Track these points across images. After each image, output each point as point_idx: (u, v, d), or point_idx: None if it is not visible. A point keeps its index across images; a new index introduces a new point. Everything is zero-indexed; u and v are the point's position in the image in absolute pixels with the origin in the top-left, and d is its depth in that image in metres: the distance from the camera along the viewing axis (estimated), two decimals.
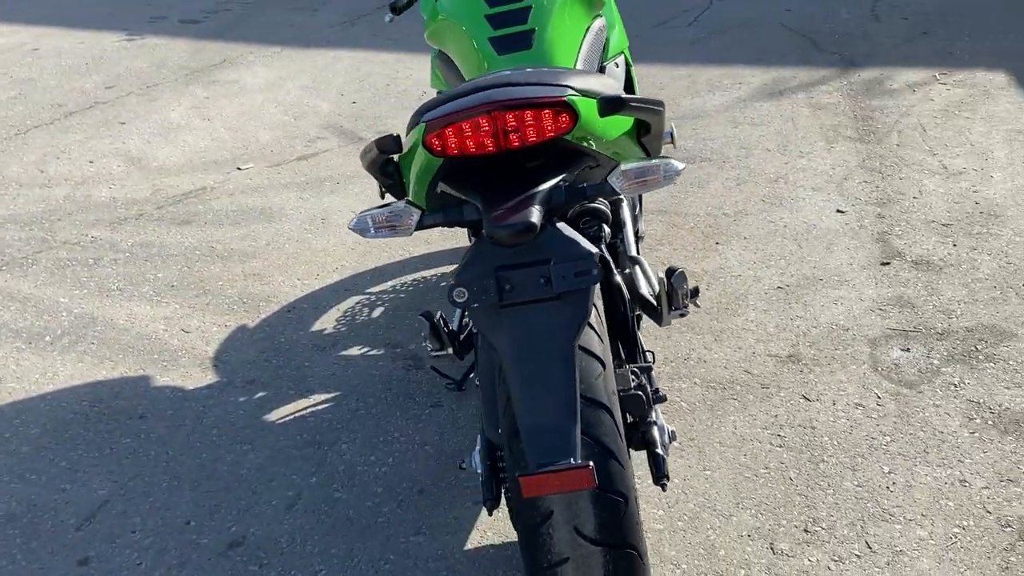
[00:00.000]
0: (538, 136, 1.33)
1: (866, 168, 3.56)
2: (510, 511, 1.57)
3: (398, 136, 1.43)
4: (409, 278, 3.07)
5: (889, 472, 2.07)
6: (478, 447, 1.57)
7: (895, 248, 2.98)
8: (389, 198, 1.63)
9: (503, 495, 1.52)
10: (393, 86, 4.83)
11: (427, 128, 1.34)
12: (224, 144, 4.24)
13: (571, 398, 1.22)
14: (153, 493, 2.18)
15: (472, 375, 2.25)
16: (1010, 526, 1.90)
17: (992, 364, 2.39)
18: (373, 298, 2.96)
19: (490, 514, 1.67)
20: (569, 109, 1.32)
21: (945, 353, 2.45)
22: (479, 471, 1.55)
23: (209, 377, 2.60)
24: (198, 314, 2.93)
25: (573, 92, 1.34)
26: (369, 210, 1.46)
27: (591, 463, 1.19)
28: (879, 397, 2.31)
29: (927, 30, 4.96)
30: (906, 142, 3.71)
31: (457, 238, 3.15)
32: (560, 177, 1.38)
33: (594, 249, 1.33)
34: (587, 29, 1.93)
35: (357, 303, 2.95)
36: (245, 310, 2.94)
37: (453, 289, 1.31)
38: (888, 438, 2.18)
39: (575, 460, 1.18)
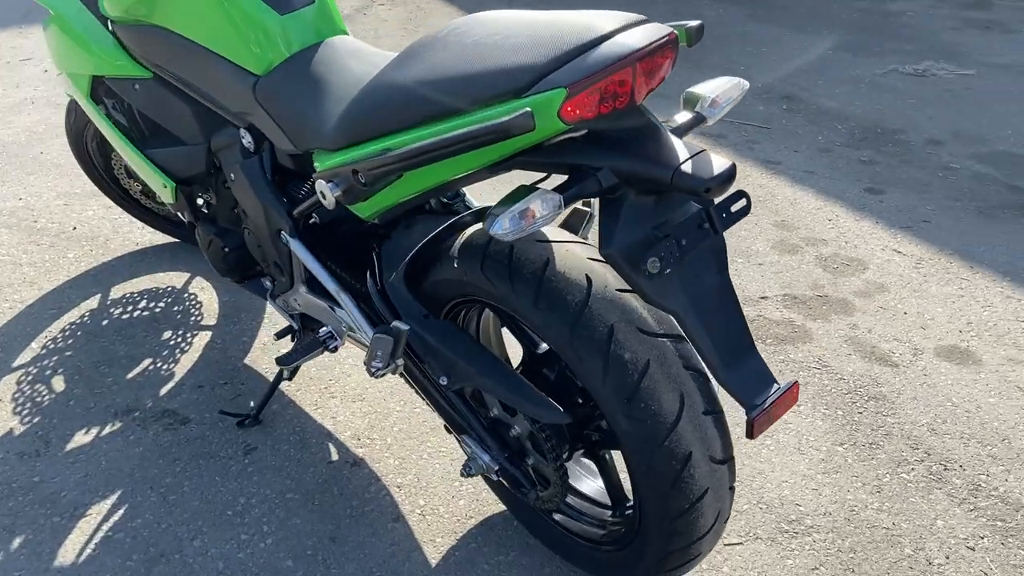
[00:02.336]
0: (658, 81, 1.20)
1: None
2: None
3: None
4: (73, 316, 2.33)
5: None
6: (479, 449, 1.57)
7: None
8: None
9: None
10: None
11: (568, 94, 1.10)
12: None
13: (747, 329, 1.24)
14: None
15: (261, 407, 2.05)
16: None
17: None
18: (54, 356, 2.20)
19: (553, 508, 1.59)
20: (677, 45, 1.21)
21: None
22: (497, 470, 1.56)
23: None
24: None
25: (670, 27, 1.22)
26: (504, 209, 1.15)
27: (795, 379, 1.25)
28: None
29: None
30: None
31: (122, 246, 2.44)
32: (662, 120, 1.27)
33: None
34: None
35: (32, 369, 2.17)
36: None
37: (639, 261, 1.15)
38: None
39: (781, 384, 1.23)
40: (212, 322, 2.48)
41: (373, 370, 1.54)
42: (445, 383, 1.54)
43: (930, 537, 1.83)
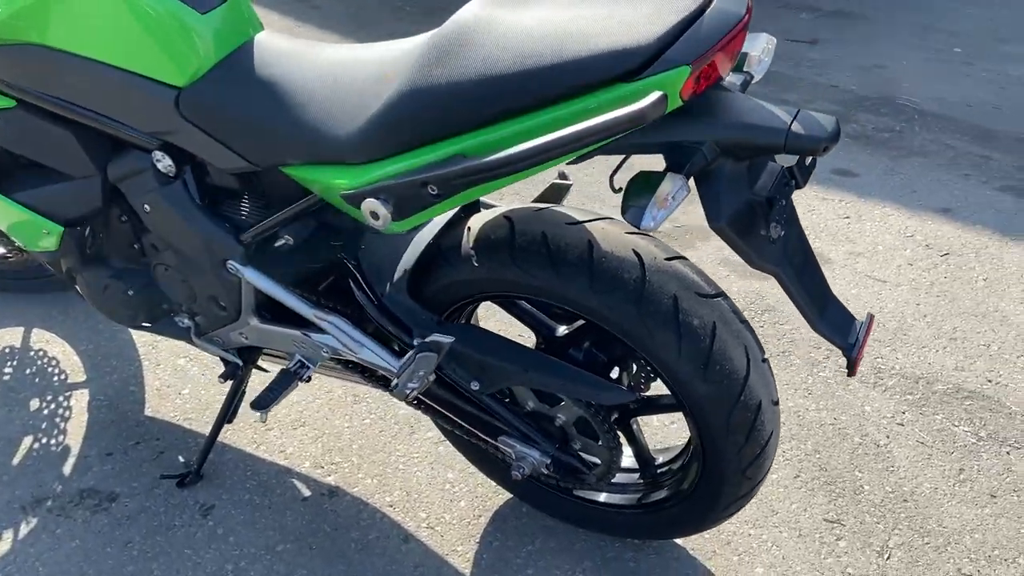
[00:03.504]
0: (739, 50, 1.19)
1: None
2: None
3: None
4: None
5: None
6: (525, 448, 1.53)
7: None
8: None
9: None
10: None
11: (692, 72, 1.07)
12: None
13: (823, 275, 1.30)
14: None
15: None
16: None
17: None
18: None
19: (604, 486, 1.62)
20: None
21: None
22: (550, 463, 1.55)
23: None
24: None
25: None
26: (644, 200, 1.10)
27: (870, 313, 1.36)
28: None
29: None
30: None
31: None
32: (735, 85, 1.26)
33: None
34: None
35: None
36: None
37: (750, 228, 1.17)
38: None
39: (860, 319, 1.32)
40: (82, 378, 2.14)
41: (408, 392, 1.42)
42: (477, 388, 1.47)
43: (867, 424, 2.06)
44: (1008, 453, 1.97)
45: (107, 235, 1.72)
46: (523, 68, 1.09)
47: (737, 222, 1.14)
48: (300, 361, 1.64)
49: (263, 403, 1.60)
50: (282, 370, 1.64)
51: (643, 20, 1.06)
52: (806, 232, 2.90)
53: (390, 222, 1.21)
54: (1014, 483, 1.89)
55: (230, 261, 1.54)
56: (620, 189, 1.19)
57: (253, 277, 1.54)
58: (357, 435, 1.98)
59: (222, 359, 1.81)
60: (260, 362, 1.81)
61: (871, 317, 1.28)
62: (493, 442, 1.56)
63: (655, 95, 0.99)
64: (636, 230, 1.40)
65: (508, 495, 1.84)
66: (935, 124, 3.63)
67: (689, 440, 1.58)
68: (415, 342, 1.46)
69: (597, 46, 1.05)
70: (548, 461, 1.50)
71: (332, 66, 1.34)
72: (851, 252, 2.75)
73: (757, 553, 1.72)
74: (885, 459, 1.95)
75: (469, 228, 1.45)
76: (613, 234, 1.36)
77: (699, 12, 1.07)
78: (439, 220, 1.51)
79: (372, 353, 1.50)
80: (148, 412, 2.04)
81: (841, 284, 2.57)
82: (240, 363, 1.74)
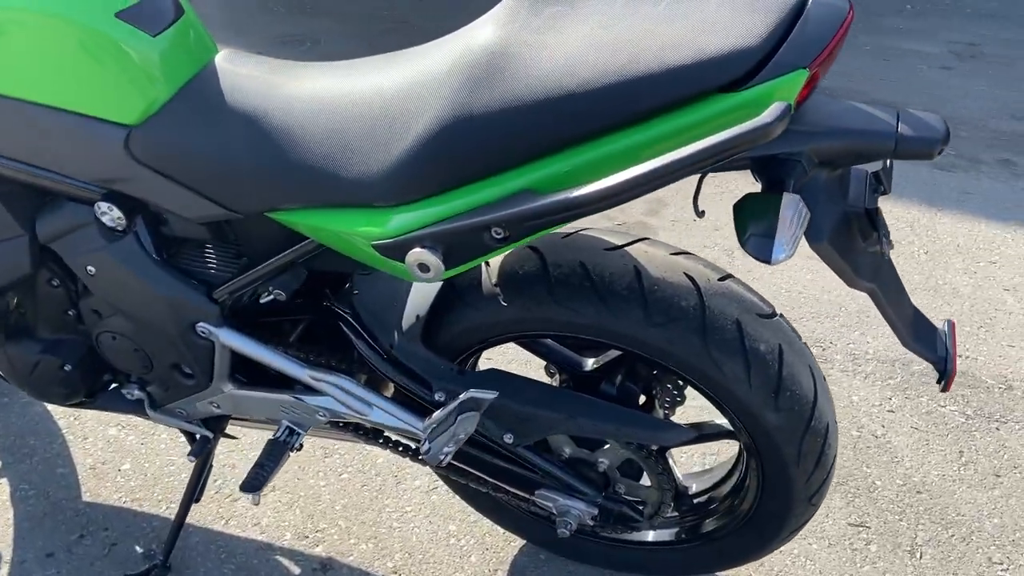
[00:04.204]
0: None
1: None
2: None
3: None
4: None
5: None
6: (568, 500, 1.38)
7: None
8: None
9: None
10: None
11: (810, 73, 0.93)
12: None
13: (904, 286, 1.22)
14: None
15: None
16: None
17: None
18: None
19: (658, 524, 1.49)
20: None
21: None
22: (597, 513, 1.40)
23: None
24: None
25: None
26: (766, 228, 0.96)
27: (949, 319, 1.27)
28: None
29: None
30: None
31: None
32: None
33: None
34: None
35: None
36: None
37: (852, 245, 1.05)
38: None
39: (940, 327, 1.24)
40: None
41: (443, 457, 1.24)
42: (511, 441, 1.30)
43: (859, 414, 2.02)
44: (998, 429, 1.98)
45: (34, 303, 1.44)
46: (598, 85, 0.92)
47: (838, 239, 1.02)
48: (288, 428, 1.42)
49: (255, 483, 1.38)
50: (270, 441, 1.42)
51: (736, 21, 0.91)
52: None
53: (442, 272, 1.02)
54: (1012, 460, 1.89)
55: (201, 324, 1.31)
56: (703, 213, 1.05)
57: (230, 339, 1.31)
58: (338, 494, 1.77)
59: (184, 432, 1.57)
60: (228, 429, 1.58)
61: (952, 324, 1.19)
62: (528, 498, 1.39)
63: (779, 106, 0.85)
64: (679, 250, 1.27)
65: (520, 542, 1.68)
66: (844, 98, 3.68)
67: (733, 467, 1.47)
68: (437, 396, 1.28)
69: (691, 53, 0.90)
70: (595, 511, 1.36)
71: (329, 91, 1.14)
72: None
73: (793, 570, 1.64)
74: (887, 450, 1.91)
75: (487, 264, 1.28)
76: (658, 257, 1.23)
77: (799, 8, 0.93)
78: None
79: (388, 415, 1.30)
80: (86, 497, 1.76)
81: (794, 272, 2.53)
82: (210, 435, 1.51)
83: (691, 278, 1.20)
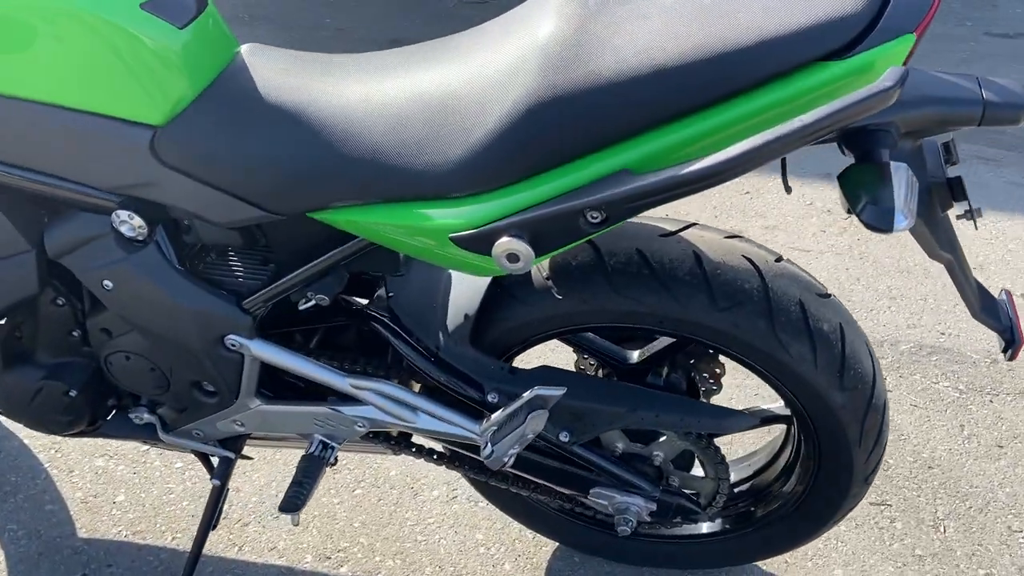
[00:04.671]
0: None
1: None
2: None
3: None
4: None
5: None
6: (626, 497, 1.33)
7: None
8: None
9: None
10: None
11: (917, 39, 0.92)
12: None
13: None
14: None
15: None
16: None
17: None
18: None
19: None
20: None
21: None
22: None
23: None
24: None
25: None
26: (881, 197, 0.94)
27: (1004, 288, 1.27)
28: None
29: None
30: None
31: None
32: None
33: None
34: None
35: None
36: None
37: (938, 218, 1.04)
38: None
39: (996, 295, 1.24)
40: None
41: (507, 460, 1.19)
42: (568, 439, 1.26)
43: None
44: (991, 401, 2.03)
45: (36, 325, 1.33)
46: (695, 58, 0.89)
47: (923, 209, 1.02)
48: (322, 442, 1.35)
49: (296, 503, 1.30)
50: (305, 457, 1.34)
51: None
52: (714, 211, 2.89)
53: (532, 261, 0.97)
54: (1011, 430, 1.94)
55: (231, 336, 1.23)
56: (791, 189, 1.03)
57: (263, 351, 1.24)
58: (354, 511, 1.69)
59: (198, 455, 1.47)
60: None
61: (1009, 294, 1.20)
62: (579, 498, 1.35)
63: (897, 71, 0.83)
64: (731, 232, 1.25)
65: (552, 546, 1.63)
66: None
67: (777, 453, 1.46)
68: (490, 398, 1.23)
69: (792, 21, 0.88)
70: (654, 506, 1.32)
71: (380, 83, 1.07)
72: (766, 226, 2.76)
73: (828, 554, 1.63)
74: (892, 429, 1.93)
75: None
76: (714, 241, 1.21)
77: None
78: None
79: (438, 420, 1.24)
80: (82, 533, 1.63)
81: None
82: (232, 455, 1.42)
83: (750, 260, 1.19)
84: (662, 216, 1.30)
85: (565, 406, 1.22)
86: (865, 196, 0.94)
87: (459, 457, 1.41)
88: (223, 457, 1.42)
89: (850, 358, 1.20)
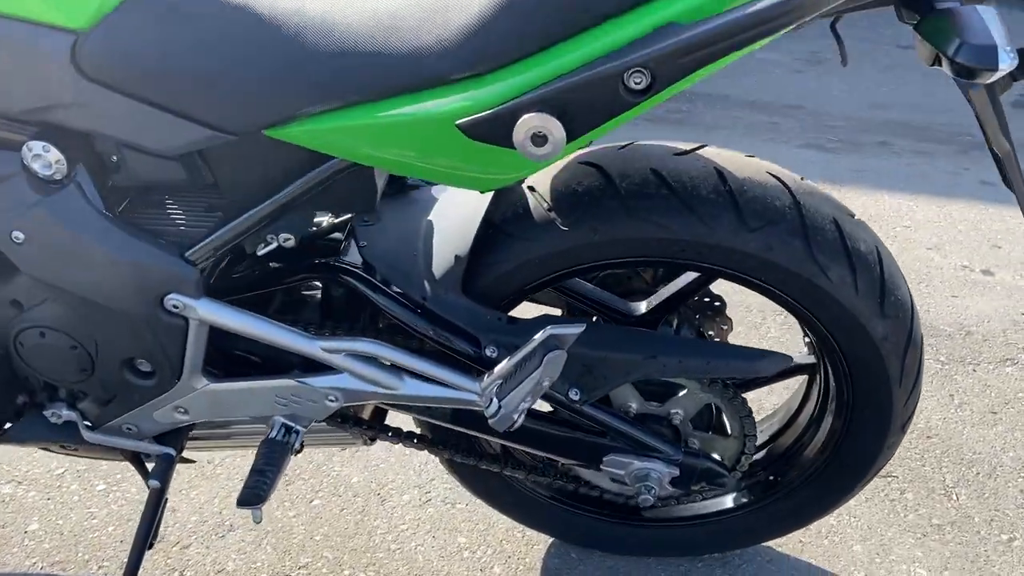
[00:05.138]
0: None
1: None
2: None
3: None
4: None
5: None
6: (645, 462, 1.17)
7: None
8: None
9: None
10: None
11: None
12: None
13: None
14: None
15: None
16: None
17: None
18: None
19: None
20: None
21: None
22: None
23: None
24: None
25: None
26: (967, 37, 0.81)
27: None
28: None
29: None
30: None
31: None
32: None
33: None
34: None
35: None
36: None
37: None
38: None
39: None
40: None
41: (518, 415, 1.01)
42: (578, 397, 1.09)
43: None
44: (974, 371, 1.95)
45: None
46: None
47: (990, 86, 0.90)
48: (285, 426, 1.14)
49: (258, 494, 1.08)
50: (266, 441, 1.13)
51: None
52: None
53: (563, 144, 0.81)
54: (1000, 397, 1.86)
55: (172, 296, 1.02)
56: (847, 62, 0.91)
57: (213, 312, 1.04)
58: (314, 523, 1.47)
59: (131, 458, 1.24)
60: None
61: None
62: (595, 469, 1.18)
63: None
64: (748, 154, 1.12)
65: (544, 544, 1.45)
66: (715, 103, 3.73)
67: (798, 409, 1.32)
68: (488, 352, 1.06)
69: None
70: (676, 471, 1.16)
71: None
72: None
73: (842, 530, 1.50)
74: None
75: (532, 189, 1.08)
76: (734, 159, 1.07)
77: None
78: (471, 196, 1.11)
79: (430, 383, 1.06)
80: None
81: None
82: (173, 453, 1.19)
83: (777, 178, 1.06)
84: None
85: (574, 357, 1.06)
86: (957, 37, 0.82)
87: (445, 437, 1.23)
88: (162, 455, 1.19)
89: (889, 282, 1.08)
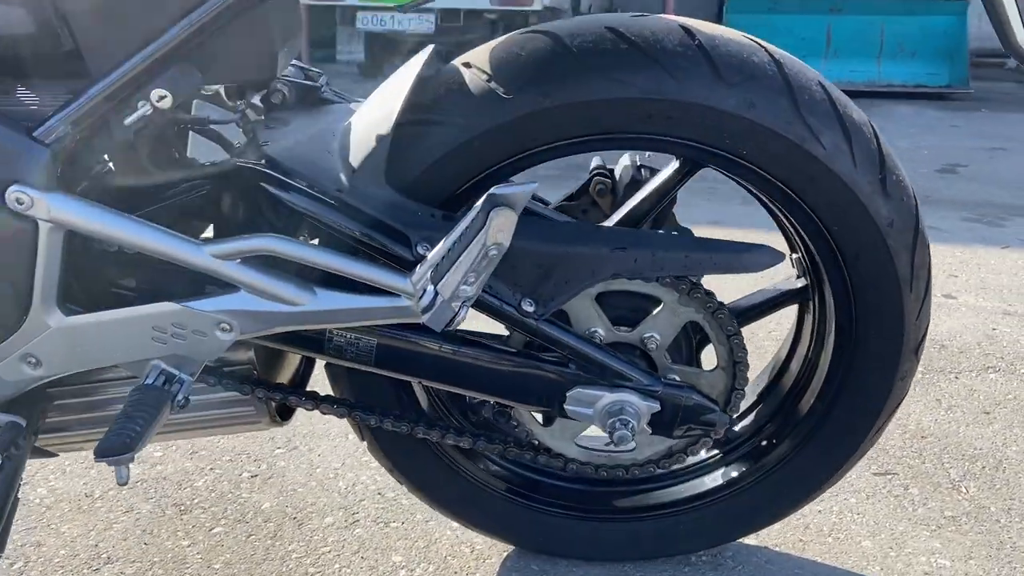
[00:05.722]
0: None
1: None
2: None
3: None
4: None
5: None
6: (618, 393, 0.96)
7: None
8: None
9: None
10: None
11: None
12: None
13: None
14: None
15: None
16: None
17: None
18: None
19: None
20: None
21: None
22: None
23: None
24: None
25: None
26: None
27: None
28: None
29: None
30: None
31: None
32: None
33: None
34: None
35: None
36: None
37: None
38: None
39: None
40: None
41: (461, 305, 0.80)
42: (532, 309, 0.89)
43: None
44: (956, 378, 1.79)
45: None
46: None
47: None
48: (164, 372, 0.90)
49: (123, 442, 0.83)
50: (138, 388, 0.88)
51: None
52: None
53: None
54: (991, 399, 1.70)
55: (15, 188, 0.81)
56: None
57: (68, 210, 0.82)
58: (213, 551, 1.19)
59: None
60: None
61: None
62: (557, 410, 0.95)
63: None
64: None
65: (498, 556, 1.19)
66: None
67: (787, 357, 1.13)
68: (420, 250, 0.85)
69: None
70: (656, 405, 0.94)
71: None
72: None
73: (847, 527, 1.28)
74: None
75: (468, 65, 0.91)
76: (699, 24, 0.93)
77: None
78: (390, 93, 0.94)
79: (346, 294, 0.85)
80: None
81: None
82: (22, 423, 0.93)
83: (748, 37, 0.91)
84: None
85: (527, 256, 0.86)
86: None
87: (369, 393, 1.00)
88: (7, 425, 0.93)
89: (888, 159, 0.92)
